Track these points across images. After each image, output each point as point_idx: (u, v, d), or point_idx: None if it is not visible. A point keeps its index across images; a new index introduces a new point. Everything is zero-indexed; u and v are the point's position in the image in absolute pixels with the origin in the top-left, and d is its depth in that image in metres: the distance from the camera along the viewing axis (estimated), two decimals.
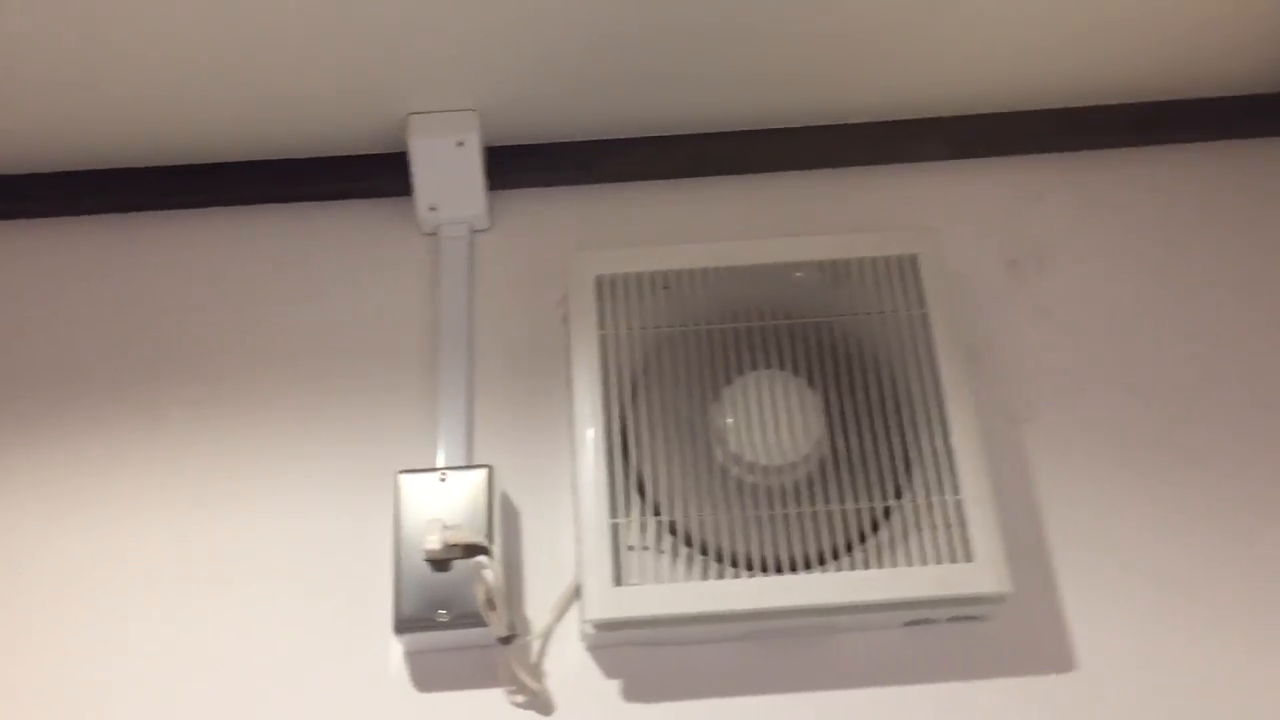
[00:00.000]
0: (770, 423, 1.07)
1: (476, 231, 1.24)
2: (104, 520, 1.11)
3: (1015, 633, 1.05)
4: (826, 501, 1.04)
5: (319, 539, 1.10)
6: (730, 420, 1.07)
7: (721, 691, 1.04)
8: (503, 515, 1.09)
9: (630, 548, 1.04)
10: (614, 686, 1.04)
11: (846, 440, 1.07)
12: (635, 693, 1.04)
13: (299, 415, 1.15)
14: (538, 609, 1.07)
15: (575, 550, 1.07)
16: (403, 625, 1.01)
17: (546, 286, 1.21)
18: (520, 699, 1.03)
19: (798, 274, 1.14)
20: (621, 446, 1.08)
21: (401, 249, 1.23)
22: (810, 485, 1.05)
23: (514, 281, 1.22)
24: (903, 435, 1.07)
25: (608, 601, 1.00)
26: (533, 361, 1.18)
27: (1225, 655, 1.04)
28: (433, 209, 1.22)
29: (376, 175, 1.25)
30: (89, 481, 1.13)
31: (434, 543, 1.02)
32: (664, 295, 1.14)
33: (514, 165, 1.25)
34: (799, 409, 1.07)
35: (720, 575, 1.02)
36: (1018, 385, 1.16)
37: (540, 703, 1.03)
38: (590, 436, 1.07)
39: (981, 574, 1.00)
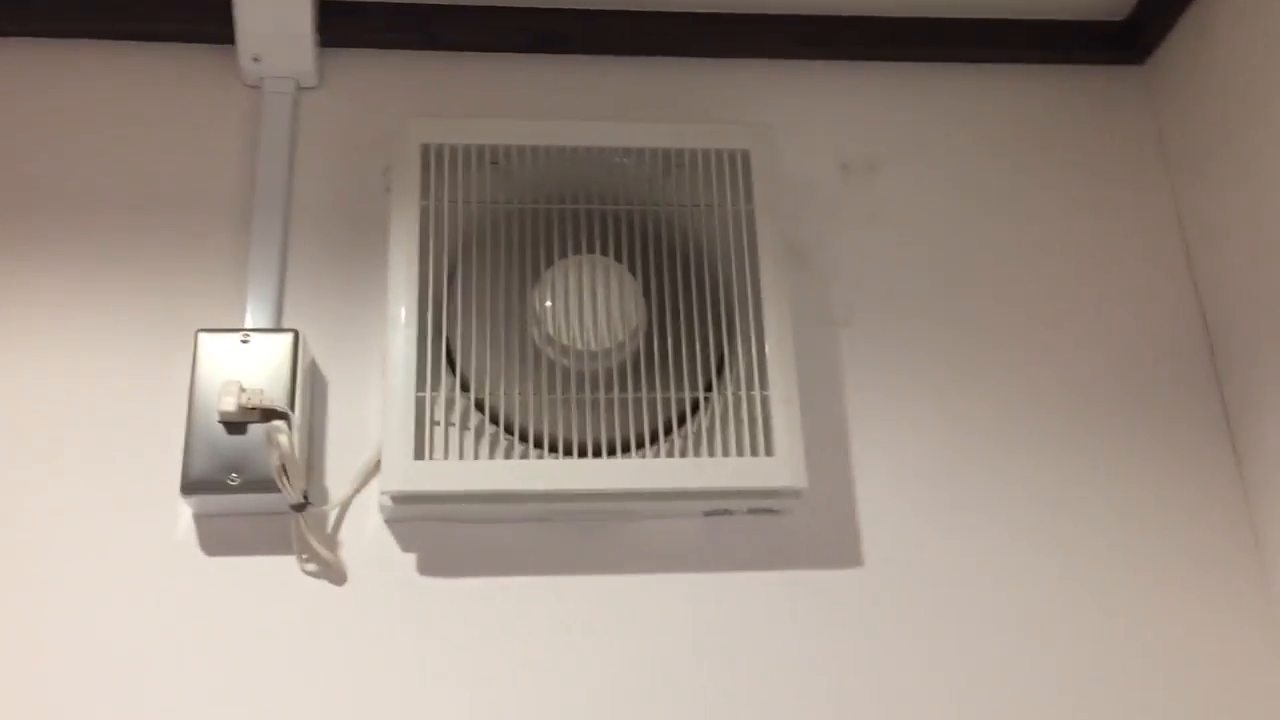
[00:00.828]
0: (589, 308, 1.06)
1: (303, 89, 1.19)
2: None
3: (809, 528, 1.08)
4: (638, 389, 1.04)
5: (111, 395, 1.05)
6: (549, 303, 1.06)
7: (518, 570, 1.04)
8: (309, 383, 1.06)
9: (436, 423, 1.02)
10: (409, 560, 1.03)
11: (664, 331, 1.06)
12: (430, 567, 1.03)
13: (98, 265, 1.10)
14: (338, 480, 1.05)
15: (380, 423, 1.05)
16: (190, 487, 0.98)
17: (372, 153, 1.17)
18: (312, 567, 1.01)
19: (618, 159, 1.12)
20: (435, 322, 1.06)
21: (221, 100, 1.17)
22: (623, 373, 1.05)
23: (339, 145, 1.17)
24: (719, 330, 1.07)
25: (407, 474, 0.99)
26: (353, 229, 1.14)
27: (1008, 555, 1.08)
28: (256, 60, 1.16)
29: (199, 18, 1.18)
30: None
31: (229, 404, 0.99)
32: (491, 171, 1.11)
33: (348, 21, 1.19)
34: (618, 296, 1.07)
35: (524, 456, 1.02)
36: (839, 289, 1.17)
37: (333, 572, 1.02)
38: (403, 307, 1.04)
39: (780, 468, 1.02)
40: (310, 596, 1.01)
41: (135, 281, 1.10)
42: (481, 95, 1.21)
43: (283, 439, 0.97)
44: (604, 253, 1.09)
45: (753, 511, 1.06)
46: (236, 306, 1.08)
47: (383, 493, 1.00)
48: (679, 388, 1.05)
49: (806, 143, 1.21)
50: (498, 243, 1.09)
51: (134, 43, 1.19)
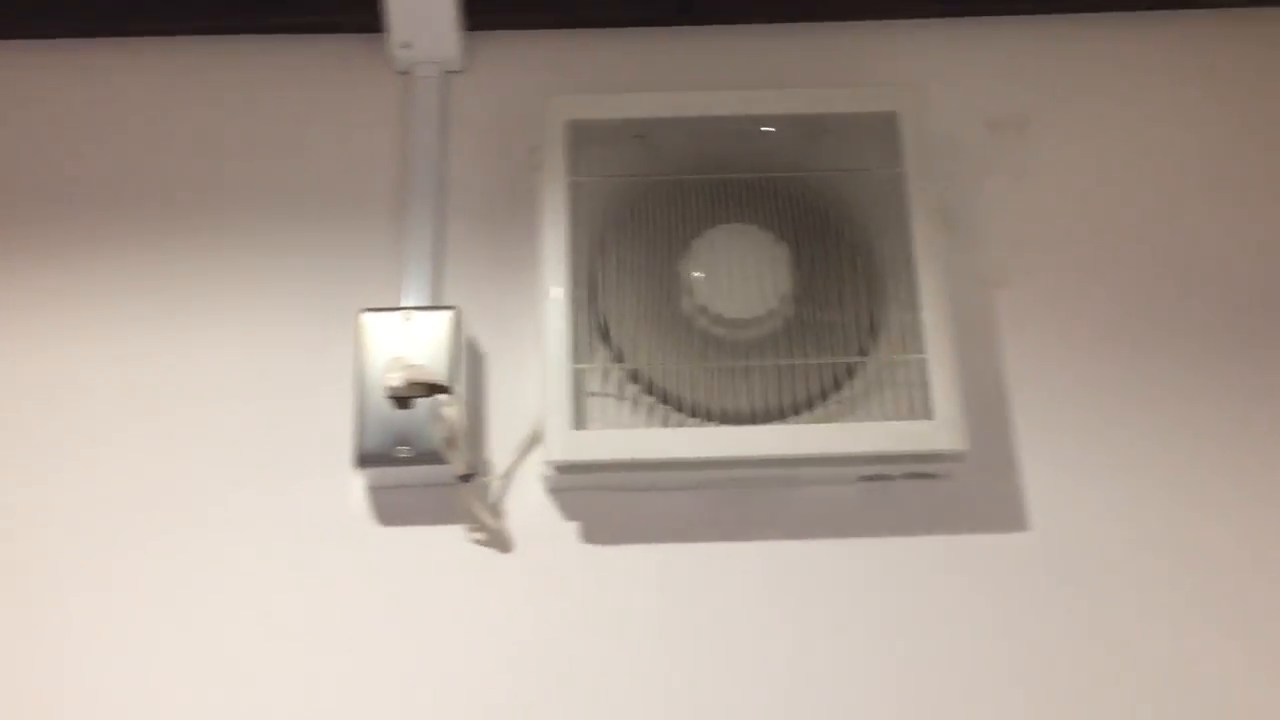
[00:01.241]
0: (738, 276, 1.06)
1: (450, 73, 1.21)
2: (60, 354, 1.11)
3: (970, 492, 1.06)
4: (791, 356, 1.05)
5: (281, 376, 1.09)
6: (698, 273, 1.06)
7: (677, 538, 1.05)
8: (468, 358, 1.08)
9: (592, 394, 1.04)
10: (572, 528, 1.05)
11: (814, 297, 1.06)
12: (592, 535, 1.05)
13: (262, 252, 1.14)
14: (500, 452, 1.08)
15: (539, 395, 1.07)
16: (364, 460, 1.02)
17: (520, 133, 1.19)
18: (479, 536, 1.04)
19: (765, 128, 1.12)
20: (588, 295, 1.07)
21: (372, 87, 1.21)
22: (775, 340, 1.05)
23: (487, 126, 1.20)
24: (871, 294, 1.06)
25: (568, 444, 1.01)
26: (504, 207, 1.16)
27: (1180, 518, 1.05)
28: (405, 46, 1.19)
29: (348, 9, 1.21)
30: (40, 312, 1.12)
31: (396, 379, 1.02)
32: (638, 145, 1.12)
33: (490, 5, 1.21)
34: (768, 263, 1.07)
35: (681, 424, 1.03)
36: (993, 250, 1.15)
37: (499, 540, 1.04)
38: (557, 282, 1.06)
39: (939, 432, 1.01)
40: (478, 564, 1.04)
41: (298, 267, 1.14)
42: (624, 70, 1.22)
43: (449, 411, 1.00)
44: (751, 221, 1.09)
45: (911, 476, 1.06)
46: (394, 287, 1.11)
47: (545, 463, 1.02)
48: (833, 353, 1.04)
49: (952, 102, 1.19)
50: (646, 215, 1.10)
51: (285, 36, 1.23)
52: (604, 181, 1.10)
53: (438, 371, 1.03)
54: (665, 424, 1.03)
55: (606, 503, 1.06)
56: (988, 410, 1.08)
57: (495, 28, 1.22)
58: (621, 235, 1.09)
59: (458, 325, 1.06)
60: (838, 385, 1.04)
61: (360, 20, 1.20)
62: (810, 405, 1.04)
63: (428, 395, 1.02)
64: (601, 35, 1.23)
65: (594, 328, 1.06)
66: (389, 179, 1.17)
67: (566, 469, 1.03)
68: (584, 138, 1.11)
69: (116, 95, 1.21)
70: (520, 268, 1.14)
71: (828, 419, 1.02)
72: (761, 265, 1.07)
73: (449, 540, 1.04)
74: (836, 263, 1.07)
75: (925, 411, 1.01)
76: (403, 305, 1.08)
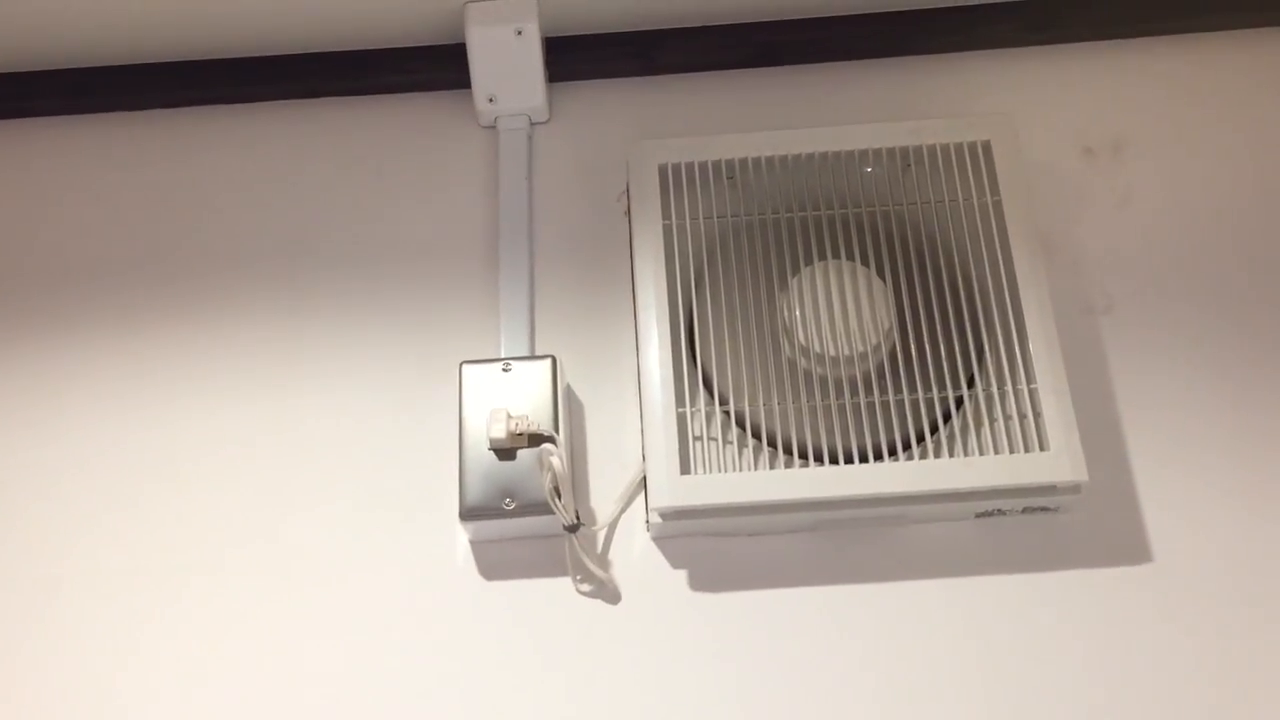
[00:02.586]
0: (838, 313, 1.05)
1: (535, 124, 1.22)
2: (170, 416, 1.12)
3: (1089, 525, 1.03)
4: (897, 391, 1.03)
5: (383, 432, 1.09)
6: (798, 311, 1.05)
7: (787, 582, 1.03)
8: (567, 407, 1.08)
9: (697, 438, 1.02)
10: (680, 576, 1.03)
11: (917, 330, 1.04)
12: (701, 582, 1.03)
13: (359, 311, 1.15)
14: (602, 501, 1.06)
15: (640, 442, 1.06)
16: (469, 513, 1.01)
17: (606, 179, 1.19)
18: (587, 587, 1.03)
19: (868, 169, 1.11)
20: (687, 338, 1.06)
21: (460, 142, 1.22)
22: (880, 376, 1.03)
23: (574, 174, 1.20)
24: (975, 325, 1.05)
25: (674, 489, 0.99)
26: (594, 254, 1.16)
27: None
28: (491, 100, 1.20)
29: (434, 67, 1.23)
30: (150, 379, 1.13)
31: (499, 431, 1.01)
32: (728, 187, 1.11)
33: (573, 55, 1.22)
34: (867, 298, 1.05)
35: (789, 466, 1.01)
36: (1093, 276, 1.12)
37: (607, 591, 1.03)
38: (655, 326, 1.05)
39: (1057, 463, 0.98)
40: (587, 616, 1.02)
41: (395, 323, 1.14)
42: (707, 114, 1.22)
43: (555, 460, 0.99)
44: (848, 257, 1.08)
45: (1027, 511, 1.03)
46: (491, 339, 1.11)
47: (651, 509, 1.00)
48: (940, 387, 1.02)
49: (1044, 130, 1.17)
50: (740, 255, 1.09)
51: (373, 96, 1.24)
52: (696, 223, 1.10)
53: (540, 421, 1.02)
54: (771, 467, 1.01)
55: (713, 549, 1.04)
56: (1100, 440, 1.05)
57: (578, 78, 1.23)
58: (716, 276, 1.08)
59: (556, 374, 1.05)
60: (945, 419, 1.02)
61: (446, 77, 1.22)
62: (920, 440, 1.01)
63: (530, 446, 1.02)
64: (683, 80, 1.23)
65: (693, 371, 1.05)
66: (480, 231, 1.17)
67: (673, 515, 1.01)
68: (674, 181, 1.11)
69: (210, 164, 1.22)
70: (613, 314, 1.13)
71: (939, 454, 1.00)
72: (861, 300, 1.05)
73: (556, 592, 1.03)
74: (937, 295, 1.06)
75: (1040, 443, 0.99)
76: (501, 356, 1.08)
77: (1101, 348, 1.10)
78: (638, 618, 1.02)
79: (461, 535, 1.05)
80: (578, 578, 1.03)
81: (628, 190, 1.18)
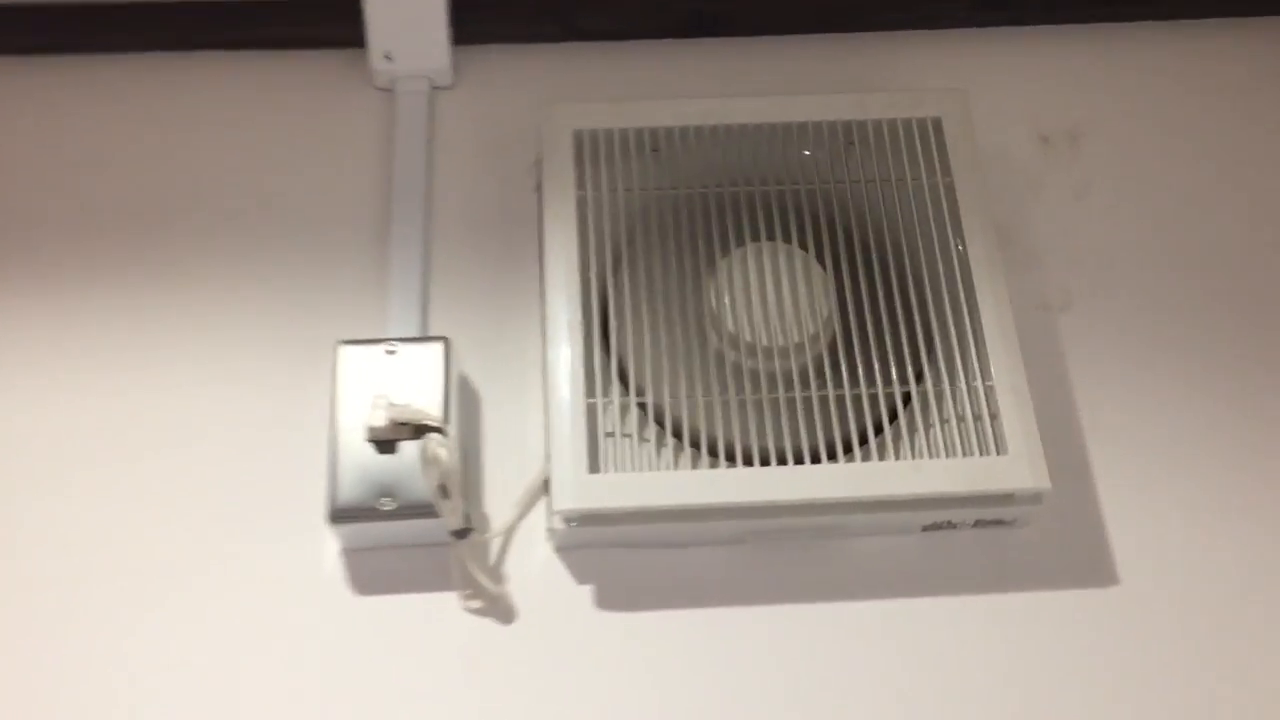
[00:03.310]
0: (772, 299, 0.93)
1: (437, 88, 1.09)
2: (12, 399, 0.95)
3: (1047, 541, 0.92)
4: (837, 386, 0.91)
5: (247, 417, 0.94)
6: (726, 297, 0.93)
7: (709, 601, 0.89)
8: (460, 399, 0.94)
9: (609, 434, 0.89)
10: (585, 593, 0.89)
11: (860, 319, 0.93)
12: (610, 600, 0.89)
13: (229, 279, 1.00)
14: (498, 506, 0.92)
15: (544, 439, 0.93)
16: (339, 514, 0.86)
17: (515, 152, 1.06)
18: (476, 604, 0.88)
19: (806, 151, 1.00)
20: (601, 326, 0.94)
21: (352, 104, 1.08)
22: (818, 371, 0.91)
23: (478, 145, 1.07)
24: (924, 315, 0.93)
25: (583, 490, 0.86)
26: (498, 232, 1.03)
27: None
28: (388, 59, 1.06)
29: (325, 20, 1.08)
30: None
31: (379, 419, 0.87)
32: (652, 161, 0.99)
33: (483, 16, 1.09)
34: (805, 284, 0.93)
35: (713, 466, 0.88)
36: (1051, 271, 1.02)
37: (500, 608, 0.88)
38: (564, 306, 0.92)
39: (1017, 468, 0.86)
40: (475, 637, 0.87)
41: (268, 296, 0.99)
42: (629, 85, 1.09)
43: (442, 452, 0.84)
44: (783, 239, 0.96)
45: (980, 524, 0.91)
46: (376, 319, 0.97)
47: (555, 513, 0.87)
48: (885, 382, 0.90)
49: (998, 115, 1.07)
50: (665, 233, 0.97)
51: (258, 51, 1.10)
52: (616, 196, 0.97)
53: (427, 410, 0.88)
54: (694, 467, 0.88)
55: (624, 563, 0.90)
56: (1058, 449, 0.93)
57: (488, 41, 1.11)
58: (636, 256, 0.96)
59: (449, 359, 0.91)
60: (891, 419, 0.90)
61: (338, 33, 1.08)
62: (862, 442, 0.90)
63: (415, 437, 0.88)
64: (605, 48, 1.12)
65: (606, 361, 0.92)
66: (370, 202, 1.03)
67: (579, 520, 0.87)
68: (591, 150, 0.98)
69: (74, 116, 1.07)
70: (517, 298, 1.00)
71: (885, 456, 0.88)
72: (797, 286, 0.93)
73: (439, 609, 0.88)
74: (882, 281, 0.94)
75: (997, 445, 0.87)
76: (387, 337, 0.94)
77: (1059, 347, 0.99)
78: (535, 639, 0.88)
79: (331, 542, 0.90)
80: (466, 593, 0.88)
81: (539, 162, 1.05)
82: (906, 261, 0.95)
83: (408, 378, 0.90)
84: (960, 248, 0.94)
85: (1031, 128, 1.08)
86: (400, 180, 1.03)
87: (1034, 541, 0.92)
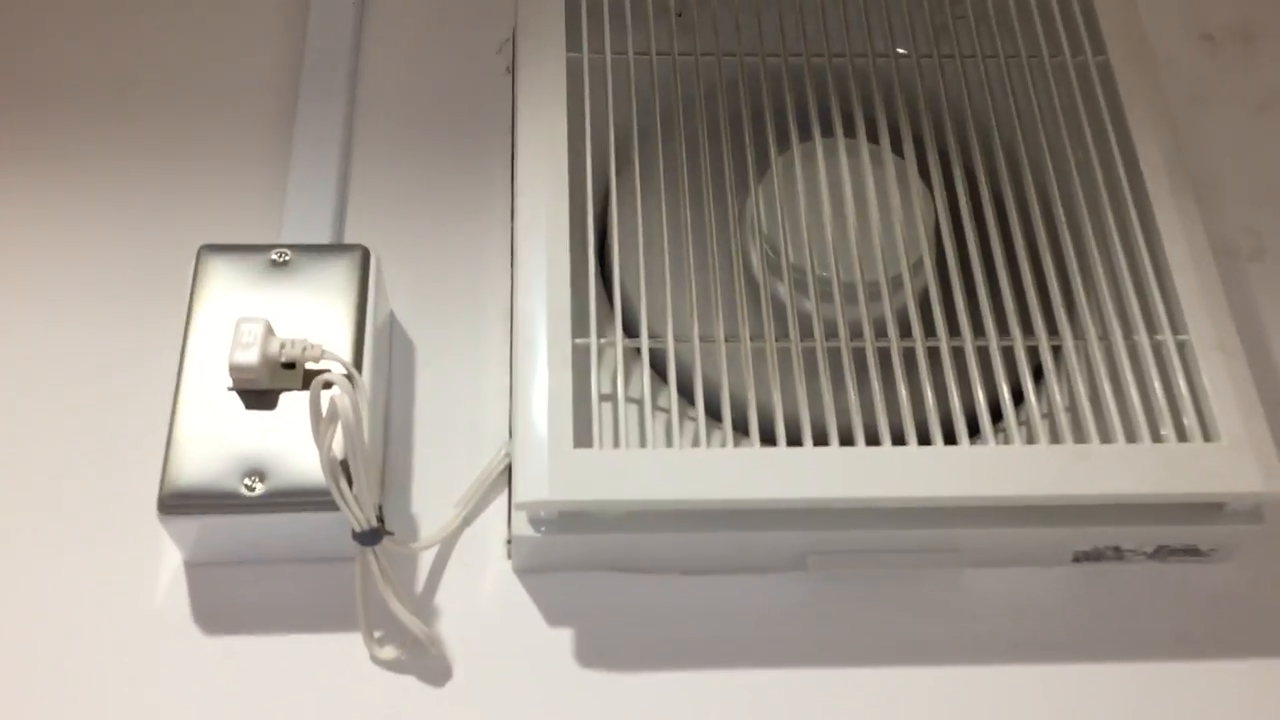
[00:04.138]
0: (850, 217, 0.63)
1: None
2: None
3: (1260, 581, 0.61)
4: (951, 335, 0.60)
5: (66, 355, 0.63)
6: (781, 211, 0.63)
7: (746, 658, 0.58)
8: (384, 343, 0.63)
9: (605, 397, 0.58)
10: (558, 641, 0.57)
11: (980, 248, 0.63)
12: (596, 652, 0.57)
13: (82, 166, 0.71)
14: (433, 504, 0.61)
15: (507, 409, 0.62)
16: (174, 502, 0.54)
17: (479, 23, 0.77)
18: (390, 653, 0.56)
19: (900, 50, 0.70)
20: (598, 245, 0.64)
21: None
22: (907, 322, 0.61)
23: (426, 10, 0.77)
24: (1076, 242, 0.63)
25: (563, 473, 0.54)
26: (449, 122, 0.74)
27: None
28: None
29: None
30: None
31: (248, 356, 0.55)
32: (671, 13, 0.70)
33: None
34: (898, 195, 0.64)
35: (757, 448, 0.58)
36: (1235, 207, 0.73)
37: (428, 662, 0.56)
38: (544, 214, 0.61)
39: (1235, 461, 0.56)
40: (387, 703, 0.56)
41: (128, 192, 0.69)
42: None
43: (348, 402, 0.53)
44: (867, 135, 0.66)
45: (1160, 554, 0.60)
46: (271, 224, 0.67)
47: (519, 507, 0.55)
48: (1025, 334, 0.60)
49: (1153, 6, 0.78)
50: (690, 118, 0.67)
51: None
52: (622, 62, 0.67)
53: (330, 348, 0.57)
54: (734, 443, 0.57)
55: (619, 594, 0.59)
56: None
57: None
58: (651, 149, 0.66)
59: (369, 277, 0.61)
60: (1027, 390, 0.60)
61: None
62: (994, 419, 0.59)
63: (304, 387, 0.57)
64: None
65: (605, 294, 0.62)
66: (276, 73, 0.73)
67: (558, 523, 0.56)
68: (588, 5, 0.69)
69: None
70: (473, 208, 0.70)
71: (1034, 439, 0.58)
72: (885, 197, 0.64)
73: (334, 660, 0.56)
74: (1007, 197, 0.65)
75: (1205, 429, 0.57)
76: (277, 244, 0.63)
77: (1254, 306, 0.69)
78: (481, 711, 0.56)
79: (170, 550, 0.58)
80: (375, 634, 0.57)
81: (513, 36, 0.76)
82: (1047, 168, 0.65)
83: (304, 301, 0.59)
84: (1126, 150, 0.65)
85: (1194, 25, 0.80)
86: (314, 45, 0.73)
87: (1243, 582, 0.61)
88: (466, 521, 0.60)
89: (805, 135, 0.66)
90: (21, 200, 0.69)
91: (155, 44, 0.75)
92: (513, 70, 0.74)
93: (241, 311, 0.58)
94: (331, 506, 0.54)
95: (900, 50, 0.70)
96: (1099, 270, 0.62)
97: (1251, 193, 0.74)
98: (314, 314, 0.59)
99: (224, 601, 0.57)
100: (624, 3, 0.69)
